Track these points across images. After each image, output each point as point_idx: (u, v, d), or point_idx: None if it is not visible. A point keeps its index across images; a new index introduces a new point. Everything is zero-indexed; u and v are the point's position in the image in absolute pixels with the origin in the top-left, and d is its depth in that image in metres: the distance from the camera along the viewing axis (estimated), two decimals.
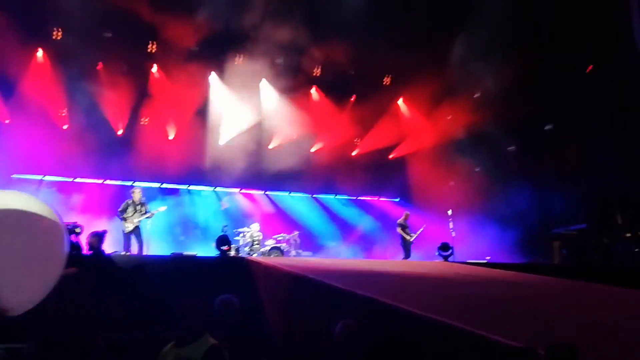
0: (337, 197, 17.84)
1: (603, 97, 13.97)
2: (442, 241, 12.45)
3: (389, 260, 15.02)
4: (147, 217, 11.65)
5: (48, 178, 14.43)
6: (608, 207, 13.77)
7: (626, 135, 13.73)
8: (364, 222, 17.99)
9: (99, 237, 9.08)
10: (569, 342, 3.66)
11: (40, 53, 14.39)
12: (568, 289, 7.08)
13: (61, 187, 14.44)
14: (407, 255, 13.61)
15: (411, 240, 13.79)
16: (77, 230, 9.69)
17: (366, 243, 17.73)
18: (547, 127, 15.76)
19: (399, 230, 13.93)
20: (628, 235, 13.15)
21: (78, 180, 14.76)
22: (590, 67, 14.70)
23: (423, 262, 12.39)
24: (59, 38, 14.38)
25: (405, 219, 14.10)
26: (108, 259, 8.13)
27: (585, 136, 14.47)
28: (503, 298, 5.88)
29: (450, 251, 11.56)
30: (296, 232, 14.36)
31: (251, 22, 14.63)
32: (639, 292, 7.31)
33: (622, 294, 6.68)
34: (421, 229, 13.99)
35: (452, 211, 13.38)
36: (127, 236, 11.42)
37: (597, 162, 13.94)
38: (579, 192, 13.83)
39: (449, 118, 16.84)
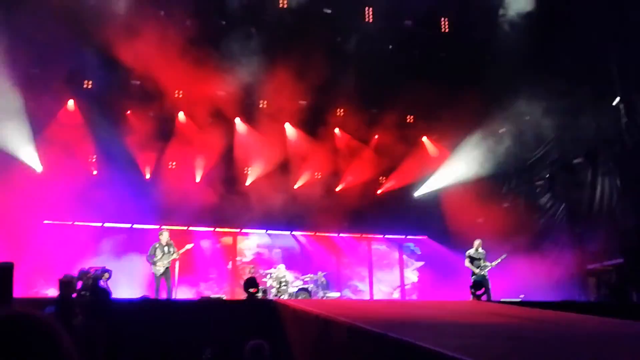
0: (364, 235, 17.68)
1: (631, 128, 13.76)
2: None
3: (420, 301, 14.74)
4: (175, 258, 11.71)
5: (78, 223, 14.64)
6: None
7: None
8: (392, 261, 17.80)
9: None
10: None
11: (71, 102, 14.87)
12: (609, 327, 6.79)
13: (91, 232, 14.62)
14: (480, 292, 11.56)
15: (484, 272, 12.23)
16: (106, 275, 9.75)
17: (398, 283, 17.53)
18: (576, 160, 15.51)
19: (466, 263, 12.57)
20: None
21: (107, 225, 14.95)
22: (617, 99, 14.54)
23: (456, 301, 12.08)
24: (89, 87, 14.96)
25: (477, 248, 12.56)
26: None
27: (616, 168, 14.18)
28: (540, 339, 5.66)
29: (482, 290, 11.26)
30: (321, 273, 14.18)
31: (273, 68, 14.96)
32: None
33: None
34: (502, 257, 12.45)
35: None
36: (158, 279, 11.46)
37: (630, 195, 13.60)
38: (614, 226, 13.44)
39: (474, 153, 16.71)
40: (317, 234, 17.11)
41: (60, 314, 6.96)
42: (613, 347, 5.20)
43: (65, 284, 7.47)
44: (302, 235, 17.02)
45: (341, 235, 17.33)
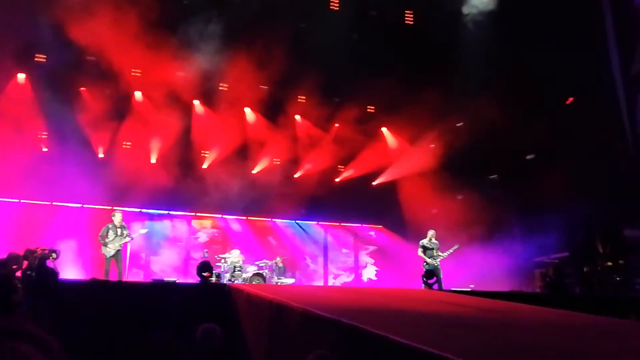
0: (321, 223, 17.75)
1: (583, 127, 14.23)
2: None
3: (373, 288, 14.94)
4: (128, 241, 11.49)
5: (25, 201, 14.12)
6: (589, 236, 13.92)
7: (607, 164, 13.97)
8: (347, 249, 17.97)
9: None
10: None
11: (22, 76, 14.25)
12: (552, 318, 7.04)
13: (39, 211, 14.14)
14: (432, 280, 11.46)
15: (436, 262, 12.32)
16: (54, 255, 9.44)
17: (351, 270, 17.71)
18: (528, 157, 15.96)
19: (419, 252, 12.62)
20: (609, 264, 13.27)
21: (56, 203, 14.48)
22: (571, 99, 15.01)
23: (407, 289, 12.28)
24: (42, 62, 14.37)
25: (431, 238, 12.65)
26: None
27: (566, 165, 14.66)
28: (489, 327, 5.82)
29: (434, 279, 11.47)
30: (278, 258, 14.18)
31: (235, 52, 14.76)
32: (622, 321, 7.32)
33: (605, 323, 6.67)
34: (454, 247, 12.63)
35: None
36: (107, 261, 11.20)
37: (579, 191, 14.10)
38: (561, 221, 13.93)
39: (431, 146, 16.97)
40: (274, 219, 17.07)
41: None
42: (555, 334, 5.39)
43: (1, 264, 7.18)
44: (258, 220, 16.94)
45: (298, 222, 17.35)
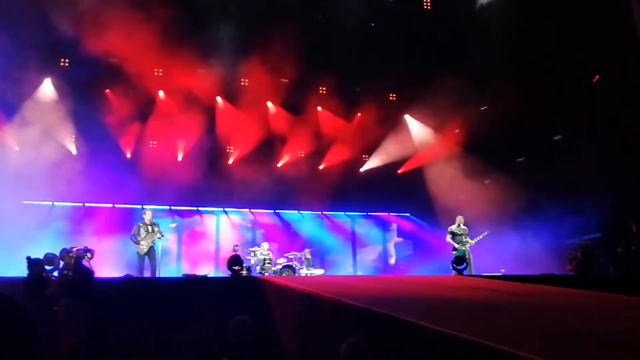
0: (347, 213, 17.77)
1: (612, 105, 13.90)
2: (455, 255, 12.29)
3: (403, 276, 14.92)
4: (159, 238, 11.73)
5: (58, 203, 14.48)
6: (622, 216, 13.62)
7: (637, 143, 13.64)
8: (375, 238, 17.96)
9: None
10: None
11: (48, 81, 14.55)
12: (584, 300, 6.94)
13: (71, 212, 14.48)
14: (462, 266, 11.30)
15: (465, 248, 12.46)
16: (88, 255, 9.69)
17: (379, 259, 17.70)
18: (556, 137, 15.68)
19: (448, 238, 12.85)
20: None
21: (88, 204, 14.80)
22: (597, 77, 14.67)
23: (437, 276, 12.24)
24: (66, 66, 14.66)
25: (459, 224, 12.81)
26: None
27: (595, 145, 14.35)
28: (520, 311, 5.77)
29: (464, 265, 11.40)
30: (307, 250, 14.27)
31: (254, 47, 14.82)
32: None
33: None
34: (484, 233, 12.81)
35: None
36: (141, 258, 11.46)
37: (609, 171, 13.81)
38: (592, 202, 13.67)
39: (456, 131, 16.80)
40: (301, 212, 17.16)
41: (29, 293, 6.90)
42: (587, 316, 5.32)
43: (34, 263, 7.39)
44: (285, 213, 17.05)
45: (324, 213, 17.40)
